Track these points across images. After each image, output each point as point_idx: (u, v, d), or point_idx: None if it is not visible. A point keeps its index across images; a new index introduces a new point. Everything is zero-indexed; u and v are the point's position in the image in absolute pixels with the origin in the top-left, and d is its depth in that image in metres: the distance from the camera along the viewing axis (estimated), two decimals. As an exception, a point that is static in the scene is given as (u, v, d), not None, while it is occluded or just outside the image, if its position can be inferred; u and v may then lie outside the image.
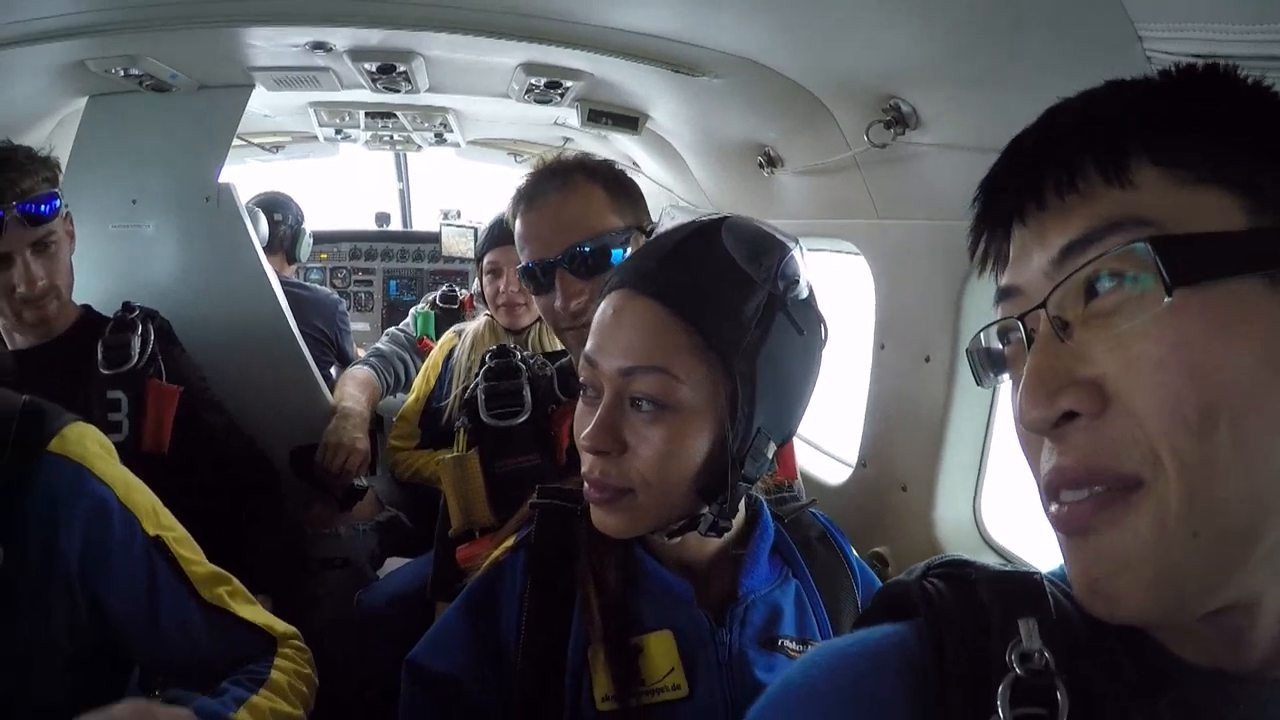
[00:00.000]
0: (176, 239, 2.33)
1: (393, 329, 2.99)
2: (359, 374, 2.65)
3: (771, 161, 2.06)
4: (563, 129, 2.98)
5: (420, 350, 2.84)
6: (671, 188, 2.94)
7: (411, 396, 2.49)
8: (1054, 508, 0.54)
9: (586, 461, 0.96)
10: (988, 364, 0.62)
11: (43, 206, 1.68)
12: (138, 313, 1.91)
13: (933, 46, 1.31)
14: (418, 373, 2.60)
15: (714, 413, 0.93)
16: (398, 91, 2.21)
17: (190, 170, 2.30)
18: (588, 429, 0.94)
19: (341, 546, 2.47)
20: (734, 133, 2.15)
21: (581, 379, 0.99)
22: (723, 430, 0.93)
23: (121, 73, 1.99)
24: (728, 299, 0.92)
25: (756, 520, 1.09)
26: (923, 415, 1.74)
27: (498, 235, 2.40)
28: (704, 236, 0.96)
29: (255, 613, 1.27)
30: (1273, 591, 0.52)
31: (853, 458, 2.06)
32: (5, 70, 1.88)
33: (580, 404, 0.99)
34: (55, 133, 2.29)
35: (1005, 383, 0.61)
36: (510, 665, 1.01)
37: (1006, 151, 0.60)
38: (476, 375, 1.56)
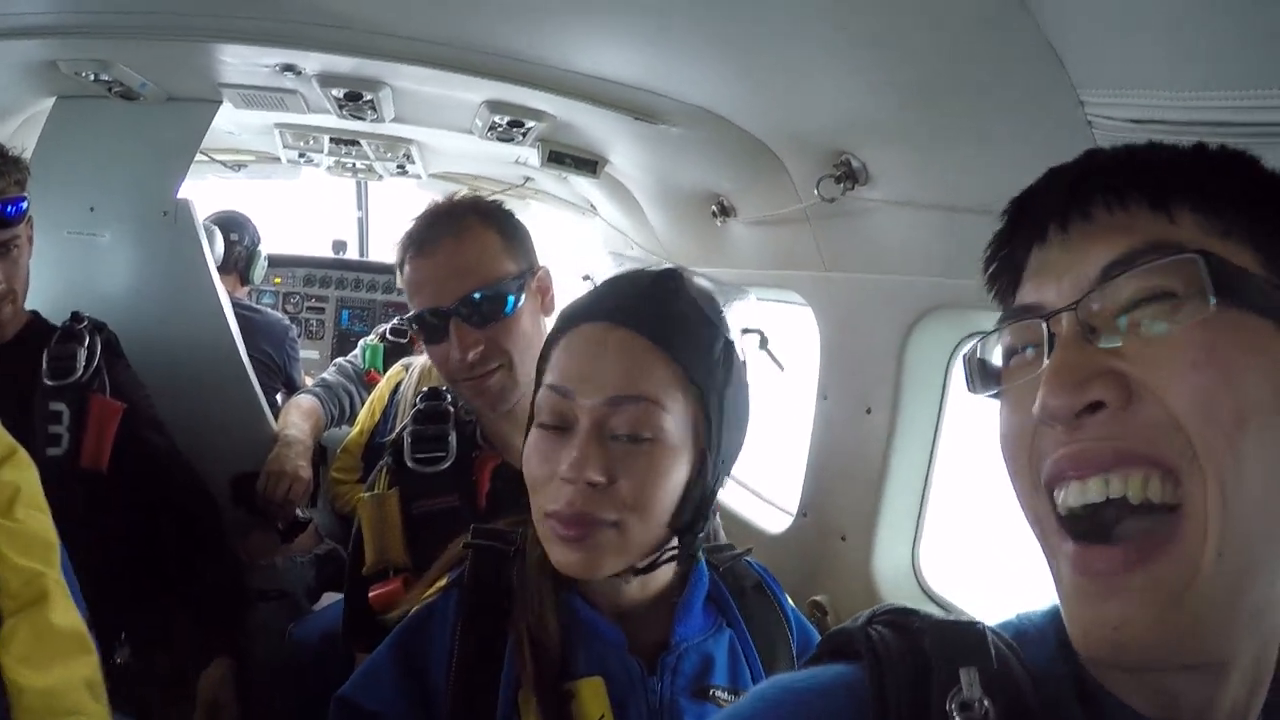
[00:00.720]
0: (131, 251, 2.30)
1: (340, 360, 2.96)
2: (304, 403, 2.61)
3: (725, 211, 2.11)
4: (523, 168, 3.01)
5: (367, 383, 2.80)
6: (627, 232, 2.98)
7: (355, 429, 2.45)
8: (1071, 550, 0.55)
9: (564, 495, 0.93)
10: (980, 377, 0.63)
11: (10, 208, 1.66)
12: (86, 323, 1.88)
13: (882, 105, 1.36)
14: (363, 405, 2.58)
15: (692, 445, 0.95)
16: (363, 119, 2.23)
17: (151, 182, 2.28)
18: (574, 461, 0.92)
19: (278, 578, 2.40)
20: (690, 181, 2.20)
21: (544, 413, 0.98)
22: (699, 462, 0.96)
23: (92, 76, 1.98)
24: (702, 338, 0.97)
25: (691, 569, 1.08)
26: (863, 465, 1.78)
27: None
28: (671, 281, 1.00)
29: (25, 668, 1.08)
30: (1247, 652, 0.55)
31: (794, 507, 2.08)
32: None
33: (542, 439, 0.98)
34: (19, 131, 2.27)
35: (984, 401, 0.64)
36: (440, 707, 0.99)
37: (1046, 177, 0.63)
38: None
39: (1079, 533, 0.55)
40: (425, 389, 1.58)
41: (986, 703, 0.56)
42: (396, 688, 1.01)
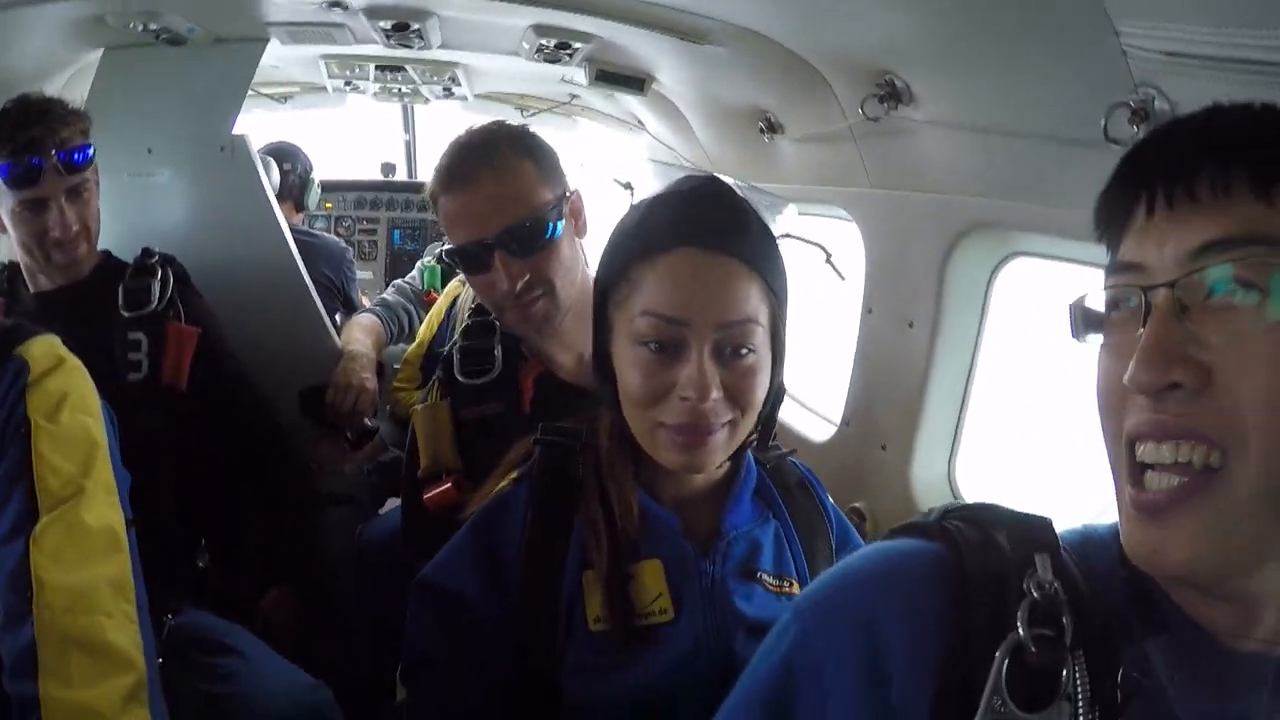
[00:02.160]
0: (191, 187, 2.39)
1: (399, 281, 3.04)
2: (364, 320, 2.72)
3: (772, 128, 2.13)
4: (569, 85, 3.02)
5: (426, 303, 2.90)
6: (675, 148, 2.99)
7: (415, 343, 2.55)
8: (1134, 492, 0.63)
9: (683, 409, 1.01)
10: (1084, 323, 0.69)
11: (77, 155, 1.76)
12: (157, 258, 1.98)
13: (925, 26, 1.38)
14: (421, 324, 2.67)
15: (774, 346, 1.07)
16: (410, 48, 2.27)
17: (205, 121, 2.35)
18: (697, 383, 0.99)
19: (347, 484, 2.58)
20: (737, 99, 2.21)
21: (649, 336, 1.03)
22: (778, 359, 1.08)
23: (140, 27, 2.04)
24: (772, 247, 1.07)
25: (740, 461, 1.18)
26: (904, 378, 1.83)
27: None
28: (733, 197, 1.08)
29: (54, 565, 1.14)
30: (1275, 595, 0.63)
31: (837, 416, 2.15)
32: (26, 22, 1.94)
33: (655, 360, 1.03)
34: (69, 84, 2.33)
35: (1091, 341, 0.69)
36: (511, 587, 1.10)
37: (1161, 132, 0.67)
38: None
39: (1139, 477, 0.63)
40: (477, 303, 1.63)
41: (1056, 584, 0.66)
42: (473, 570, 1.12)
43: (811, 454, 2.13)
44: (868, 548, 0.78)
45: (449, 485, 1.47)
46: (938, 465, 1.85)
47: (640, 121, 3.16)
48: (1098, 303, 0.68)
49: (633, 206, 1.13)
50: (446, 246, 1.49)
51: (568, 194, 1.50)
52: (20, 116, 1.71)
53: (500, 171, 1.43)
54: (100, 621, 1.12)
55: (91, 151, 1.80)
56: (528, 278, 1.43)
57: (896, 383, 1.87)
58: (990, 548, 0.69)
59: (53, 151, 1.71)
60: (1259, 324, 0.58)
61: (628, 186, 1.21)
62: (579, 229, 1.53)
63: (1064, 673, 0.63)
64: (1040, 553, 0.67)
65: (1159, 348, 0.60)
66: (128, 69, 2.27)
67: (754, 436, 1.13)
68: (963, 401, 1.81)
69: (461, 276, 2.61)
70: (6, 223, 1.78)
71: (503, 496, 1.16)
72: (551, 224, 1.44)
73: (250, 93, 2.55)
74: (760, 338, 1.03)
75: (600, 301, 1.12)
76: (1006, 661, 0.64)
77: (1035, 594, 0.65)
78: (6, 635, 1.10)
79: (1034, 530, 0.71)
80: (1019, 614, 0.64)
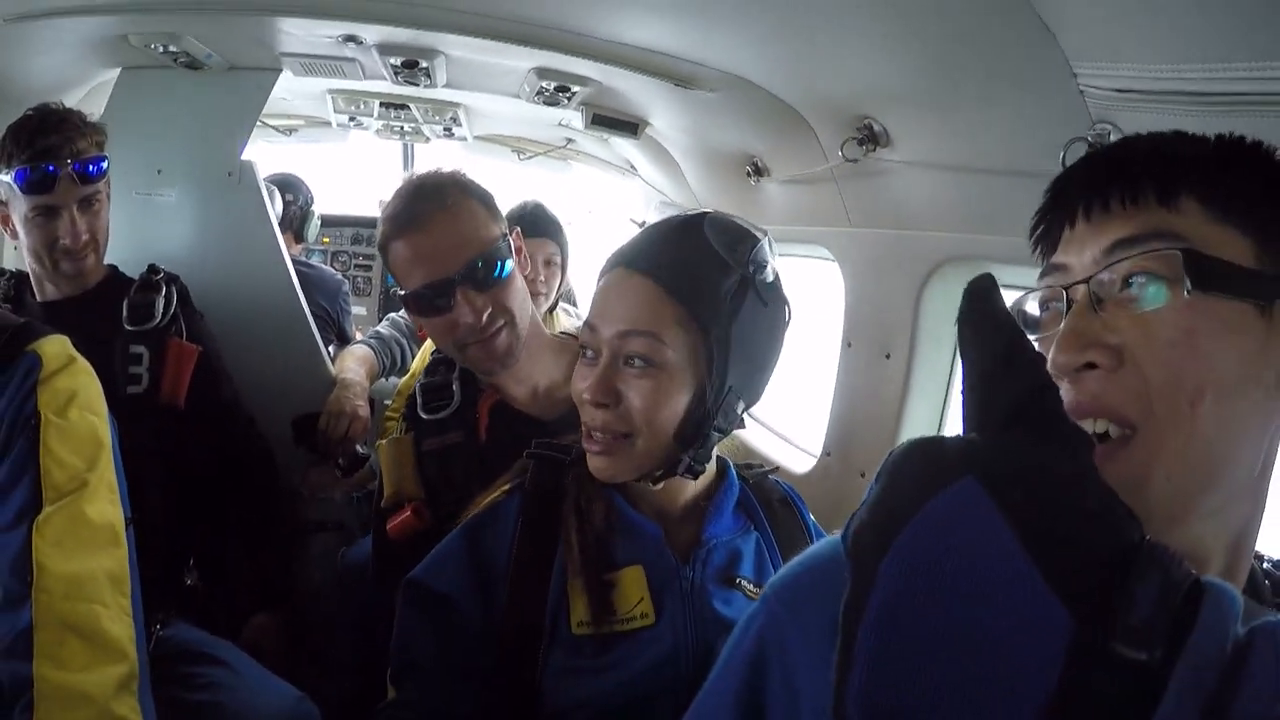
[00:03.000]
0: (197, 209, 2.44)
1: (393, 315, 3.07)
2: (358, 351, 2.75)
3: (759, 171, 2.24)
4: (565, 130, 3.13)
5: (419, 339, 2.95)
6: (665, 191, 3.11)
7: (409, 375, 2.59)
8: None
9: (588, 413, 1.13)
10: (1021, 323, 0.76)
11: (92, 166, 1.82)
12: (162, 275, 2.02)
13: (900, 74, 1.49)
14: (413, 358, 2.71)
15: (693, 373, 1.10)
16: (416, 85, 2.37)
17: (215, 145, 2.42)
18: (589, 384, 1.11)
19: (336, 511, 2.61)
20: (725, 143, 2.32)
21: (581, 342, 1.15)
22: (700, 388, 1.10)
23: (161, 49, 2.12)
24: (708, 279, 1.09)
25: (723, 477, 1.25)
26: (882, 407, 1.92)
27: (527, 226, 2.44)
28: (690, 228, 1.13)
29: (55, 552, 1.16)
30: (1217, 549, 0.69)
31: (818, 448, 2.23)
32: (50, 36, 2.01)
33: (580, 366, 1.15)
34: (85, 100, 2.39)
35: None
36: (499, 593, 1.15)
37: (1081, 163, 0.76)
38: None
39: None
40: None
41: None
42: (464, 573, 1.17)
43: (794, 484, 2.20)
44: (829, 536, 0.83)
45: (408, 513, 1.51)
46: (913, 491, 1.91)
47: (633, 165, 3.27)
48: (1033, 307, 0.76)
49: None
50: (404, 291, 1.52)
51: (507, 232, 1.56)
52: (39, 124, 1.77)
53: (453, 212, 1.48)
54: (97, 610, 1.15)
55: (106, 164, 1.86)
56: (490, 310, 1.48)
57: (875, 413, 1.95)
58: None
59: (68, 161, 1.77)
60: (1162, 309, 0.66)
61: (641, 224, 1.29)
62: (521, 264, 1.58)
63: None
64: None
65: (1074, 333, 0.68)
66: (143, 89, 2.34)
67: (684, 461, 1.14)
68: (939, 428, 1.89)
69: None
70: (19, 228, 1.83)
71: (494, 505, 1.22)
72: (504, 259, 1.51)
73: (258, 123, 2.64)
74: (666, 357, 1.07)
75: None
76: None
77: None
78: (4, 617, 1.12)
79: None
80: None
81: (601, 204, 4.11)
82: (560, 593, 1.14)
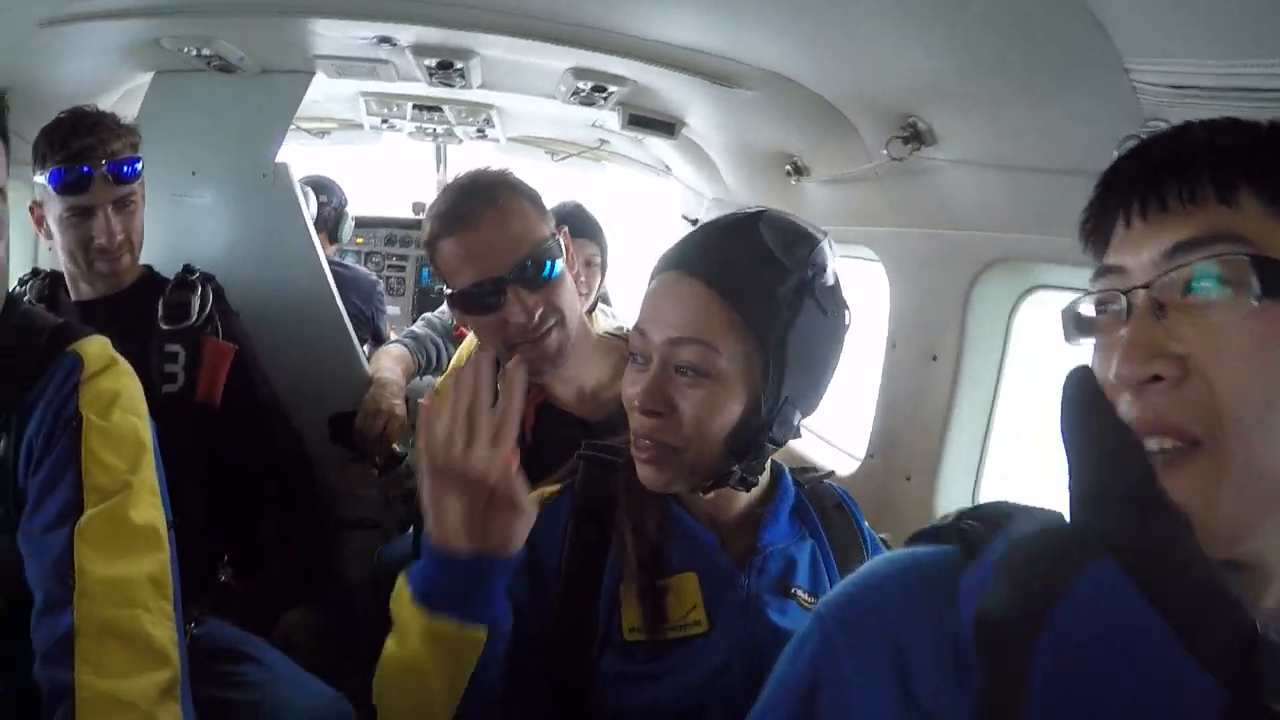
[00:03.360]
0: (232, 211, 2.44)
1: (429, 314, 3.06)
2: (394, 350, 2.75)
3: (799, 170, 2.20)
4: (600, 131, 3.11)
5: (455, 338, 2.94)
6: (702, 191, 3.08)
7: (447, 373, 2.58)
8: None
9: (637, 420, 1.09)
10: (1075, 327, 0.73)
11: (126, 167, 1.82)
12: (198, 275, 2.01)
13: (946, 69, 1.45)
14: (449, 358, 2.70)
15: (747, 382, 1.05)
16: (451, 86, 2.36)
17: (249, 148, 2.42)
18: (639, 391, 1.07)
19: (372, 509, 2.60)
20: (764, 142, 2.28)
21: (632, 348, 1.11)
22: (754, 398, 1.06)
23: (194, 52, 2.12)
24: (764, 283, 1.05)
25: (778, 483, 1.22)
26: (928, 410, 1.88)
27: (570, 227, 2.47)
28: (745, 228, 1.08)
29: (97, 556, 1.14)
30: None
31: (862, 451, 2.19)
32: (83, 40, 2.01)
33: (629, 370, 1.12)
34: (118, 104, 2.39)
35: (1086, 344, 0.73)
36: (552, 592, 1.13)
37: (1132, 155, 0.71)
38: None
39: None
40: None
41: None
42: (517, 575, 1.12)
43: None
44: (886, 553, 0.82)
45: None
46: (961, 495, 1.89)
47: (667, 166, 3.24)
48: (1088, 309, 0.72)
49: None
50: (452, 291, 1.49)
51: (556, 231, 1.53)
52: (74, 126, 1.77)
53: (504, 211, 1.46)
54: (139, 615, 1.12)
55: (140, 165, 1.86)
56: (541, 310, 1.46)
57: (920, 415, 1.91)
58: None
59: (103, 161, 1.77)
60: (1229, 317, 0.62)
61: (694, 222, 1.25)
62: (570, 264, 1.55)
63: None
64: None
65: (1138, 344, 0.64)
66: (177, 93, 2.35)
67: (735, 473, 1.10)
68: (986, 431, 1.85)
69: None
70: (54, 228, 1.83)
71: (544, 505, 1.18)
72: (555, 258, 1.48)
73: (291, 126, 2.64)
74: (719, 366, 1.04)
75: None
76: None
77: None
78: (43, 622, 1.10)
79: (1043, 520, 0.73)
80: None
81: (638, 205, 4.08)
82: (612, 597, 1.11)
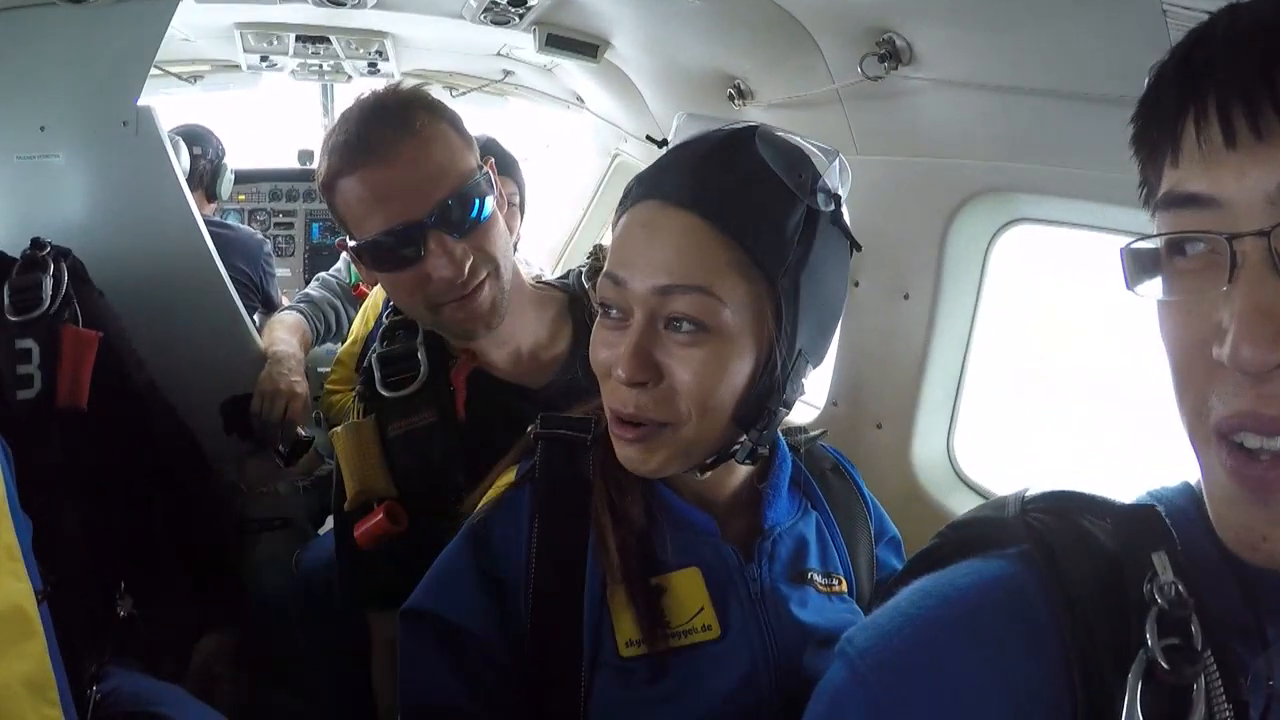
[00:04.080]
0: (91, 169, 2.12)
1: (324, 274, 2.82)
2: (288, 319, 2.49)
3: (742, 94, 1.99)
4: (505, 60, 2.87)
5: (355, 297, 2.69)
6: (622, 125, 2.86)
7: (349, 340, 2.35)
8: (1230, 461, 0.51)
9: (618, 395, 0.89)
10: (1139, 270, 0.56)
11: None
12: (49, 250, 1.72)
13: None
14: (349, 321, 2.46)
15: (756, 334, 0.88)
16: (342, 5, 2.05)
17: (106, 92, 2.08)
18: (621, 357, 0.87)
19: (281, 505, 2.34)
20: (703, 62, 2.07)
21: (603, 299, 0.91)
22: (765, 353, 0.88)
23: (33, -27, 1.77)
24: (771, 212, 0.87)
25: (774, 452, 1.04)
26: (900, 352, 1.74)
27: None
28: (737, 145, 0.89)
29: None
30: None
31: (821, 399, 2.04)
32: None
33: (601, 329, 0.92)
34: None
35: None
36: (519, 609, 0.94)
37: (1221, 24, 0.52)
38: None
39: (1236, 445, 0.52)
40: (391, 304, 1.43)
41: (1180, 586, 0.55)
42: (477, 592, 0.95)
43: (799, 436, 2.04)
44: (931, 586, 0.64)
45: (380, 516, 1.27)
46: (936, 441, 1.77)
47: (580, 98, 3.02)
48: (1153, 244, 0.55)
49: None
50: (357, 241, 1.25)
51: (484, 164, 1.30)
52: None
53: (423, 139, 1.21)
54: None
55: None
56: (471, 260, 1.23)
57: (892, 358, 1.78)
58: (1090, 546, 0.59)
59: None
60: None
61: (662, 144, 1.05)
62: (500, 202, 1.32)
63: (1195, 686, 0.54)
64: (1156, 549, 0.57)
65: (1262, 314, 0.47)
66: (19, 34, 1.99)
67: (735, 447, 0.93)
68: (961, 373, 1.74)
69: None
70: None
71: (500, 501, 1.00)
72: (484, 195, 1.25)
73: (157, 71, 2.32)
74: (722, 318, 0.85)
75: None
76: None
77: (1160, 601, 0.55)
78: None
79: (1143, 521, 0.60)
80: (1147, 627, 0.54)
81: (543, 142, 3.86)
82: (599, 605, 0.93)
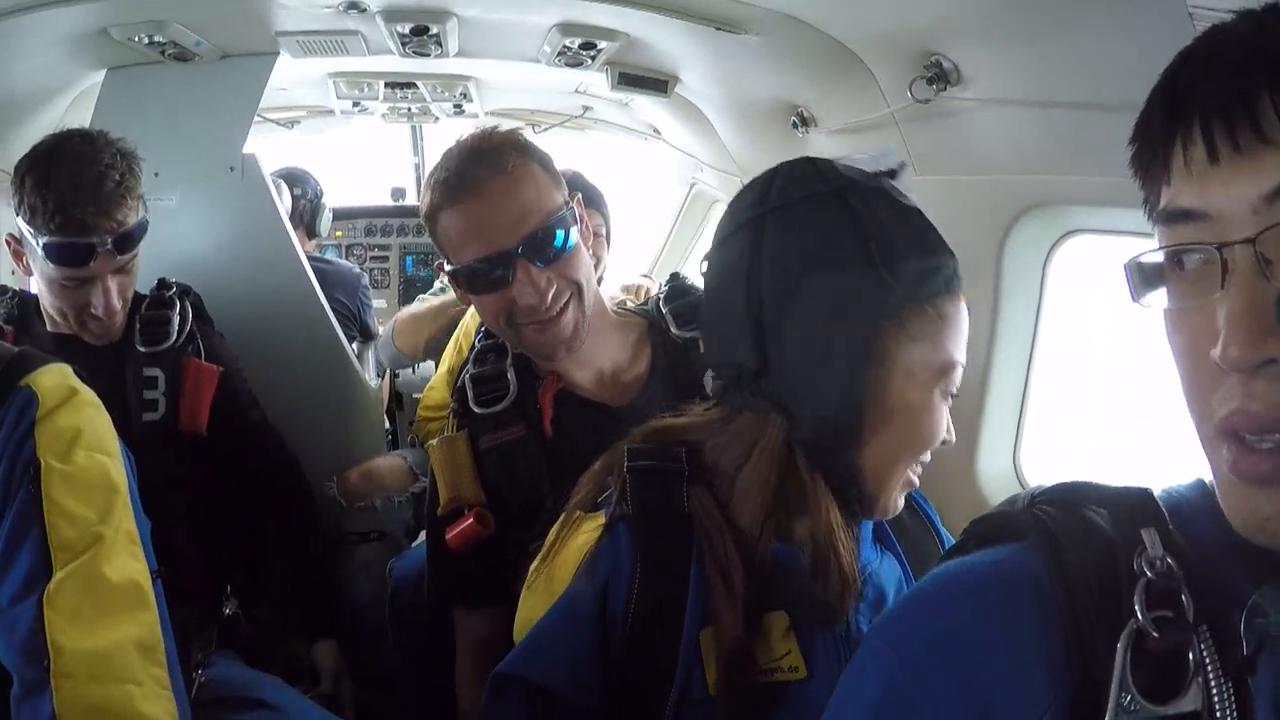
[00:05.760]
0: (201, 211, 2.30)
1: (423, 297, 2.97)
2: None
3: (805, 122, 2.06)
4: (583, 97, 2.97)
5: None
6: (696, 154, 2.94)
7: (443, 366, 2.48)
8: (1230, 454, 0.54)
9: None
10: (1143, 283, 0.59)
11: (132, 236, 1.65)
12: (174, 289, 1.88)
13: (972, 1, 1.32)
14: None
15: None
16: (426, 56, 2.19)
17: (214, 141, 2.28)
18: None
19: (377, 519, 2.49)
20: (767, 93, 2.14)
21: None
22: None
23: (145, 40, 1.96)
24: None
25: None
26: (964, 368, 1.75)
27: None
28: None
29: (72, 627, 1.00)
30: None
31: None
32: (26, 37, 1.85)
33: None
34: (70, 110, 2.27)
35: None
36: (617, 655, 0.96)
37: (1208, 56, 0.55)
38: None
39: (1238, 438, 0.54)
40: (484, 327, 1.53)
41: (1169, 560, 0.58)
42: (580, 652, 0.96)
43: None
44: (948, 567, 0.68)
45: (470, 520, 1.36)
46: (1002, 456, 1.78)
47: (656, 129, 3.11)
48: (1153, 259, 0.58)
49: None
50: (454, 266, 1.37)
51: (569, 200, 1.41)
52: (71, 190, 1.55)
53: (513, 177, 1.32)
54: (129, 691, 0.99)
55: (145, 224, 1.69)
56: (555, 287, 1.33)
57: (956, 373, 1.79)
58: (1090, 531, 0.62)
59: (107, 236, 1.59)
60: None
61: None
62: (584, 235, 1.42)
63: (1189, 654, 0.56)
64: (1146, 527, 0.60)
65: (1247, 315, 0.50)
66: (132, 90, 2.19)
67: None
68: (1025, 387, 1.74)
69: None
70: (41, 285, 1.67)
71: (597, 554, 0.99)
72: (568, 228, 1.35)
73: (256, 118, 2.49)
74: None
75: None
76: (1129, 653, 0.57)
77: (1149, 573, 0.58)
78: (22, 710, 0.96)
79: (1134, 504, 0.63)
80: (1135, 597, 0.57)
81: (624, 173, 3.95)
82: (691, 646, 0.94)
